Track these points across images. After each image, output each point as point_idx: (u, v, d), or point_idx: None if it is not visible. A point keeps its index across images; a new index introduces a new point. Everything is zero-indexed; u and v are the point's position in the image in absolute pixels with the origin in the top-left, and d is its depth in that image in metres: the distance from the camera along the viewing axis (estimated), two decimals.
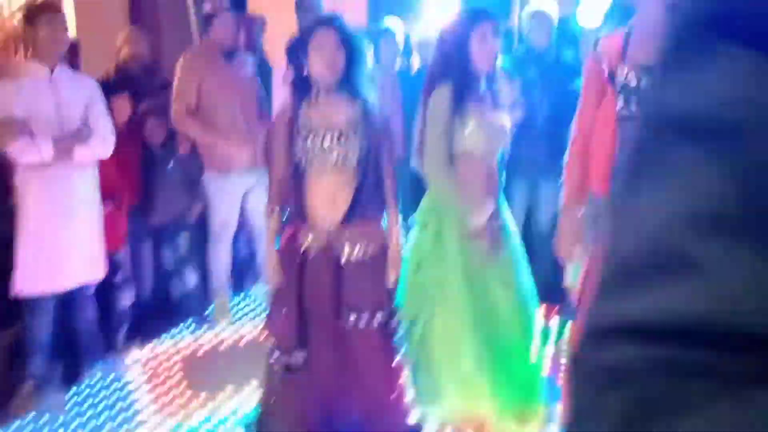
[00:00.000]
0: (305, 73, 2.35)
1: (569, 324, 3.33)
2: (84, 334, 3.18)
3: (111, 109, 3.19)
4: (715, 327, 0.33)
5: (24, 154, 2.80)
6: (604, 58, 2.24)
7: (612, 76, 2.21)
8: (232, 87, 3.70)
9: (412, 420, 2.55)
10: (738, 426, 0.31)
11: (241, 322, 3.94)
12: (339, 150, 2.33)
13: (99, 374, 3.28)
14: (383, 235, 2.45)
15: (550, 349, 3.30)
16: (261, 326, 2.70)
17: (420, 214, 2.67)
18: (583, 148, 2.32)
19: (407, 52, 4.41)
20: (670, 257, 0.34)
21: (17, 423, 2.91)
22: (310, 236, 2.39)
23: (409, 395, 2.55)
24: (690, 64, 0.37)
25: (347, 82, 2.36)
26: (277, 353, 2.43)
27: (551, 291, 3.28)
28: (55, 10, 3.03)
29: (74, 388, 3.16)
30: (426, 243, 2.60)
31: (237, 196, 3.81)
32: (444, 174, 2.52)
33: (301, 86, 2.38)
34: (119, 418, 2.97)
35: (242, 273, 4.27)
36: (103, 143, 3.02)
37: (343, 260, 2.38)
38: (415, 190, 3.18)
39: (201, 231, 3.85)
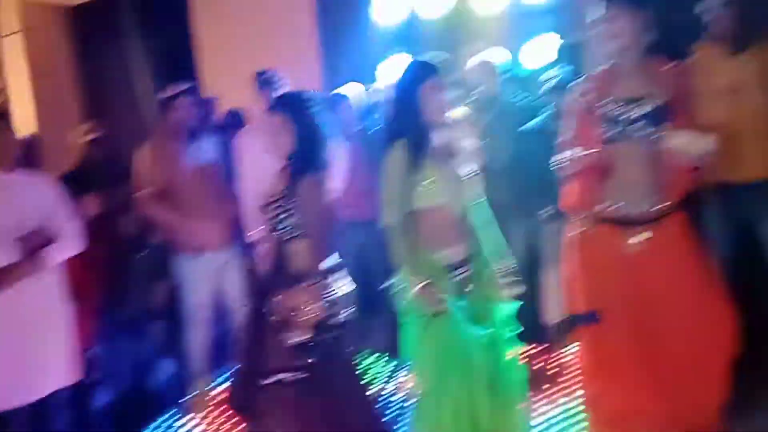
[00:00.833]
0: None
1: None
2: None
3: (79, 206, 3.13)
4: None
5: None
6: (590, 94, 2.60)
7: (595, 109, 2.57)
8: (194, 168, 3.69)
9: None
10: None
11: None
12: None
13: None
14: None
15: None
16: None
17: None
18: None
19: (368, 113, 4.44)
20: None
21: None
22: None
23: None
24: None
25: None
26: None
27: None
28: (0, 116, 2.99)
29: None
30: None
31: (210, 277, 3.75)
32: (400, 231, 2.48)
33: None
34: None
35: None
36: (72, 244, 2.95)
37: None
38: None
39: (175, 319, 3.76)
